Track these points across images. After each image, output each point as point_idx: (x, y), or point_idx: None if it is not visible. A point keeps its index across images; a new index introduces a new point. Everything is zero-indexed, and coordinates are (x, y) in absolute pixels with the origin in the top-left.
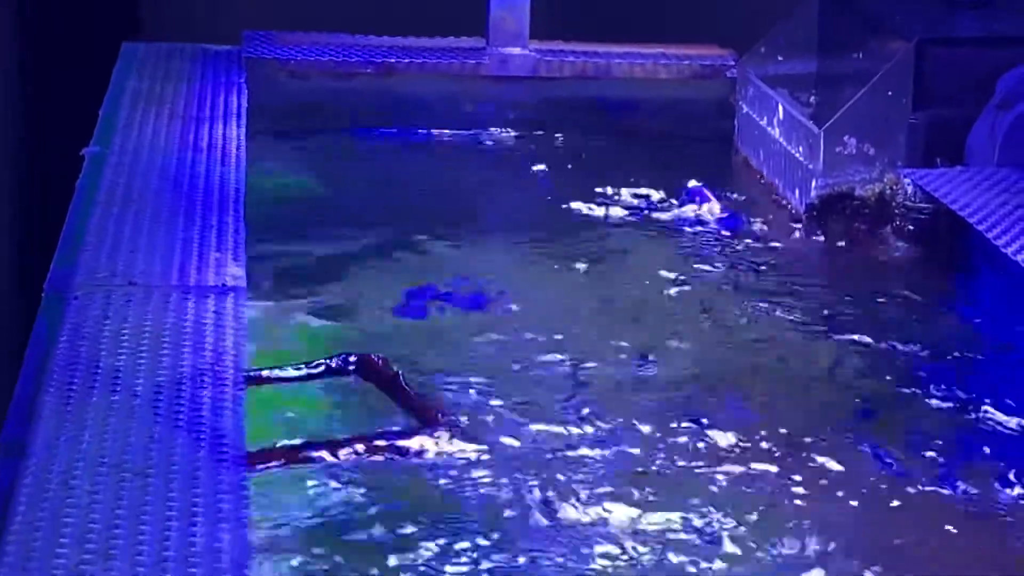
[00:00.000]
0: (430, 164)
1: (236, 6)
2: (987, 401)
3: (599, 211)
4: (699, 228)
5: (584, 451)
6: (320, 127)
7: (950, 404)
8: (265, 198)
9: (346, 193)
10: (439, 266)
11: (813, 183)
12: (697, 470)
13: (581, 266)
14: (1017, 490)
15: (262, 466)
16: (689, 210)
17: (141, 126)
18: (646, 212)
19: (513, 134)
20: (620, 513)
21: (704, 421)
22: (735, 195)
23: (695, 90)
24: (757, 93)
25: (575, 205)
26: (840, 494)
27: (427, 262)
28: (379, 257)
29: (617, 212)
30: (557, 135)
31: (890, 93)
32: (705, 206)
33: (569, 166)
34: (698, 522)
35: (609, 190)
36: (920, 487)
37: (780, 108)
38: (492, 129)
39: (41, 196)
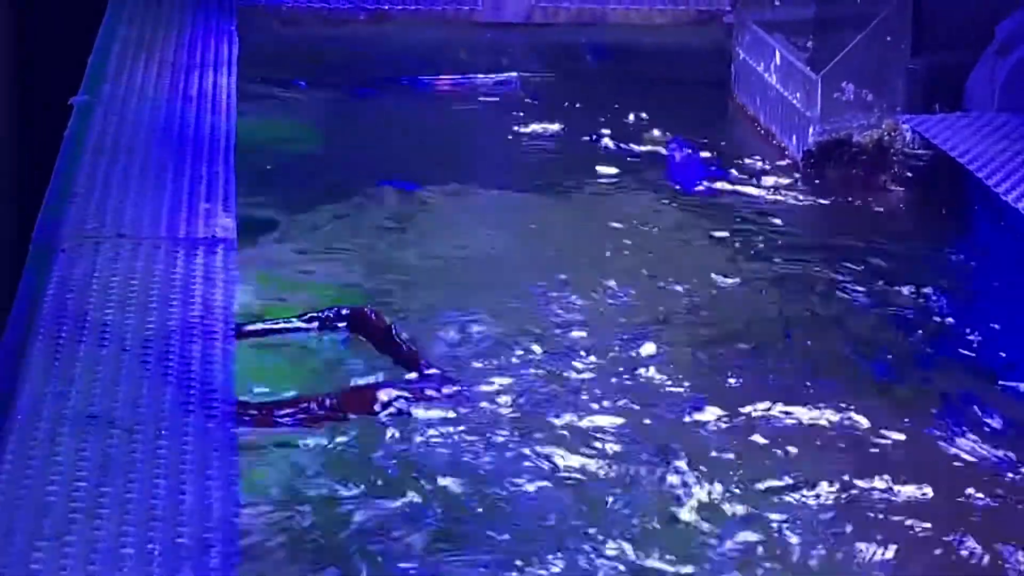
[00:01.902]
0: (421, 112)
1: None
2: None
3: (590, 156)
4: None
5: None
6: (312, 75)
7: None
8: (256, 147)
9: (336, 142)
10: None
11: (810, 130)
12: None
13: (557, 207)
14: None
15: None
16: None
17: (131, 74)
18: (634, 159)
19: (507, 81)
20: None
21: None
22: (727, 143)
23: (692, 36)
24: (754, 39)
25: (566, 153)
26: None
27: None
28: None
29: (608, 151)
30: (552, 82)
31: (888, 38)
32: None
33: (563, 113)
34: None
35: (603, 135)
36: None
37: (777, 54)
38: (485, 76)
39: (36, 146)
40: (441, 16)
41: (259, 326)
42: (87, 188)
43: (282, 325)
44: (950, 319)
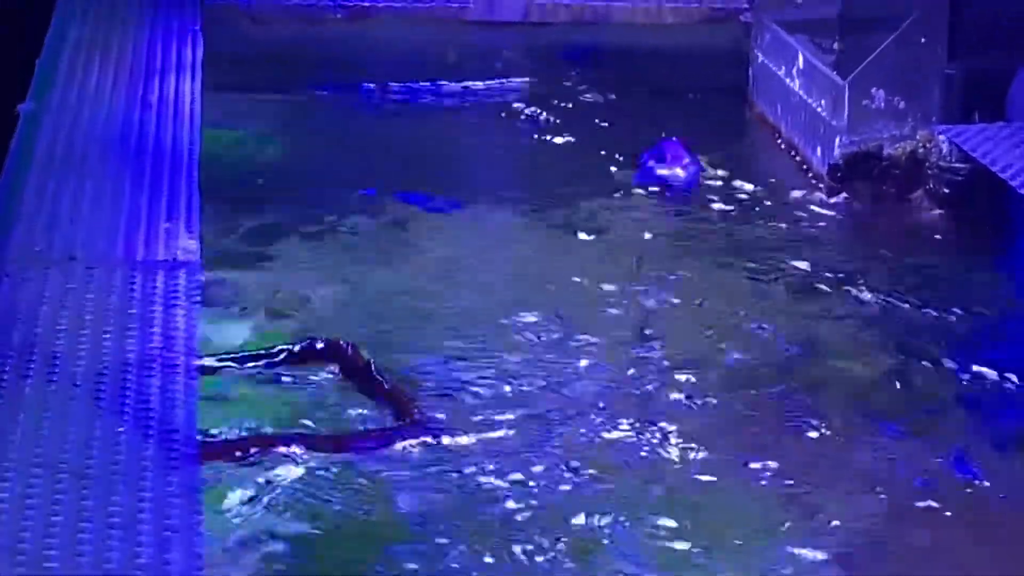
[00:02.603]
0: (403, 123)
1: None
2: None
3: (591, 173)
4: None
5: None
6: (284, 80)
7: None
8: (222, 161)
9: (310, 154)
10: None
11: (837, 141)
12: None
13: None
14: None
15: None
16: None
17: (84, 79)
18: (632, 171)
19: (500, 87)
20: None
21: None
22: (745, 155)
23: (705, 36)
24: (775, 40)
25: (561, 168)
26: None
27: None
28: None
29: (613, 172)
30: (549, 88)
31: (923, 40)
32: (671, 169)
33: (560, 123)
34: None
35: (604, 151)
36: None
37: (800, 56)
38: (477, 82)
39: None
40: (429, 14)
41: (224, 360)
42: (35, 205)
43: (250, 358)
44: (991, 345)
